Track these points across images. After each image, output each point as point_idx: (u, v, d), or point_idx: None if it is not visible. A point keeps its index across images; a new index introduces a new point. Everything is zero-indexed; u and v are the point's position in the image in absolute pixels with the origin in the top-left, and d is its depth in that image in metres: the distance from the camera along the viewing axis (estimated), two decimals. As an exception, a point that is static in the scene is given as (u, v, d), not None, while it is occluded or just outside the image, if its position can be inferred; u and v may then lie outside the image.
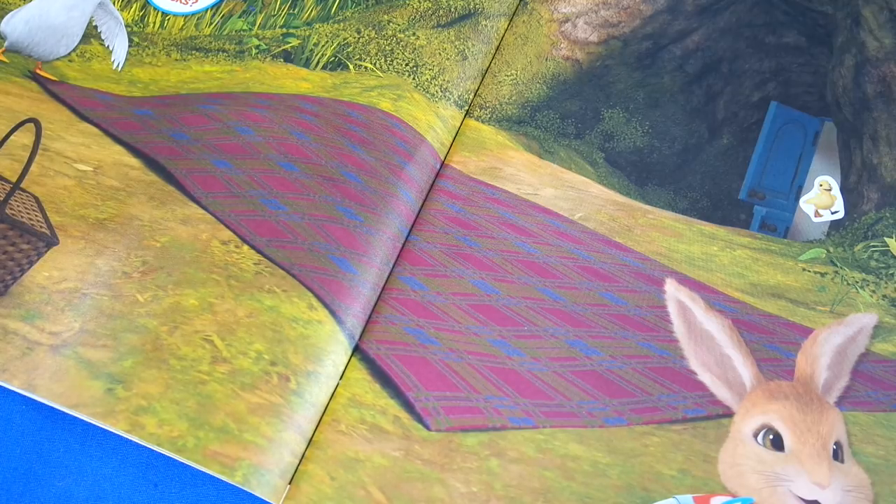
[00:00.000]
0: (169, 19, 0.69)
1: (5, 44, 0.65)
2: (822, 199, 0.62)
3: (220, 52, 0.68)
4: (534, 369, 0.53)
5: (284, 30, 0.69)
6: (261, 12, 0.70)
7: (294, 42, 0.68)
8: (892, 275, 0.58)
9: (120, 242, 0.55)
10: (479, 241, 0.59)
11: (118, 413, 0.48)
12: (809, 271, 0.59)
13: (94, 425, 0.49)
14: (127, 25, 0.68)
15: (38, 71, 0.65)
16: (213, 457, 0.47)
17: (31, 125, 0.60)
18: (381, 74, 0.66)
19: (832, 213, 0.62)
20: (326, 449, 0.50)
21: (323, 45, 0.68)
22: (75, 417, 0.49)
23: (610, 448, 0.50)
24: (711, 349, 0.53)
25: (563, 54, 0.69)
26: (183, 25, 0.69)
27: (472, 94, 0.65)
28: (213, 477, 0.47)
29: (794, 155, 0.64)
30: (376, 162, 0.60)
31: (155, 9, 0.70)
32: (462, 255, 0.58)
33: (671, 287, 0.56)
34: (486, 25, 0.68)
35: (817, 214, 0.62)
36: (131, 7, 0.69)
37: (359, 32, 0.68)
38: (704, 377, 0.53)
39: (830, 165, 0.64)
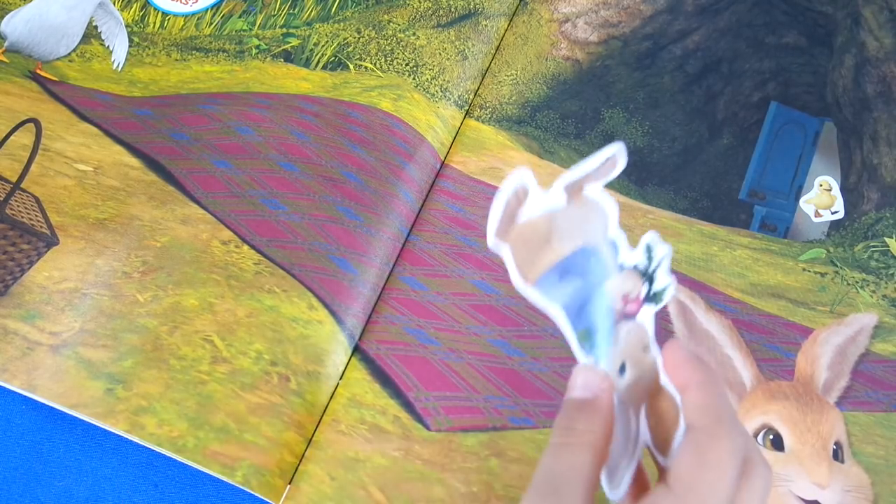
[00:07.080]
0: (169, 19, 0.69)
1: (5, 44, 0.65)
2: (822, 199, 0.62)
3: (220, 52, 0.68)
4: (534, 369, 0.53)
5: (284, 30, 0.69)
6: (261, 12, 0.70)
7: (294, 42, 0.68)
8: (892, 275, 0.58)
9: (120, 242, 0.55)
10: (479, 241, 0.59)
11: (118, 413, 0.48)
12: (809, 271, 0.59)
13: (94, 425, 0.49)
14: (127, 25, 0.68)
15: (38, 71, 0.65)
16: (213, 457, 0.47)
17: (31, 125, 0.60)
18: (381, 74, 0.66)
19: (832, 213, 0.62)
20: (326, 449, 0.50)
21: (323, 45, 0.68)
22: (75, 417, 0.49)
23: (610, 448, 0.50)
24: (711, 349, 0.53)
25: (563, 54, 0.69)
26: (183, 25, 0.69)
27: (472, 94, 0.65)
28: (213, 477, 0.47)
29: (794, 155, 0.64)
30: (376, 162, 0.60)
31: (155, 9, 0.70)
32: (462, 255, 0.58)
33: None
34: (486, 25, 0.68)
35: (817, 214, 0.62)
36: (131, 7, 0.69)
37: (359, 32, 0.68)
38: (704, 377, 0.53)
39: (830, 165, 0.64)
